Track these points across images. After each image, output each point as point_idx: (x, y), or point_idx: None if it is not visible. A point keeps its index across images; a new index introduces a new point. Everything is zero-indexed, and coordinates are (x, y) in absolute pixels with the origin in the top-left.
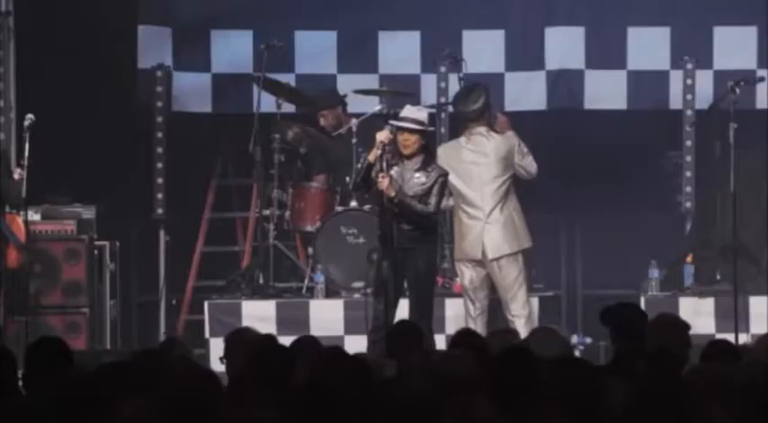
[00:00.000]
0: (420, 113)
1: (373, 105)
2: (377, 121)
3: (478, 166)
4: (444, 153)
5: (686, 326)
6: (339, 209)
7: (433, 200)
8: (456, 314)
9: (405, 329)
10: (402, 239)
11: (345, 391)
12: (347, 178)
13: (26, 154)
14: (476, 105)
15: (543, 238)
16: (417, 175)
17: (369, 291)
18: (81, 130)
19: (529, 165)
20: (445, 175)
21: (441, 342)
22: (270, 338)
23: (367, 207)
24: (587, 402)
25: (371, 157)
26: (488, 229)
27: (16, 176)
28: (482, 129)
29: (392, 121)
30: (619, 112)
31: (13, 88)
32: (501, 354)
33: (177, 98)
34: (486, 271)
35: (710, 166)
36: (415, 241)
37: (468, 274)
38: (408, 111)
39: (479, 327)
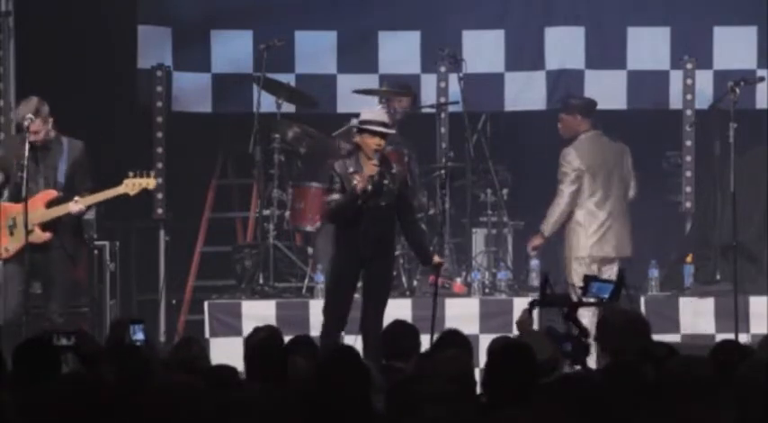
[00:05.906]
0: (383, 114)
1: (373, 105)
2: None
3: (608, 165)
4: (577, 149)
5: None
6: None
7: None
8: (456, 314)
9: (402, 329)
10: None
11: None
12: None
13: (26, 154)
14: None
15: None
16: (385, 181)
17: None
18: (81, 130)
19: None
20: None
21: None
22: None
23: None
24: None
25: (360, 186)
26: (617, 229)
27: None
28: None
29: (372, 127)
30: (619, 112)
31: (13, 88)
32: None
33: (177, 98)
34: (601, 269)
35: (710, 166)
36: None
37: (580, 275)
38: (372, 113)
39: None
